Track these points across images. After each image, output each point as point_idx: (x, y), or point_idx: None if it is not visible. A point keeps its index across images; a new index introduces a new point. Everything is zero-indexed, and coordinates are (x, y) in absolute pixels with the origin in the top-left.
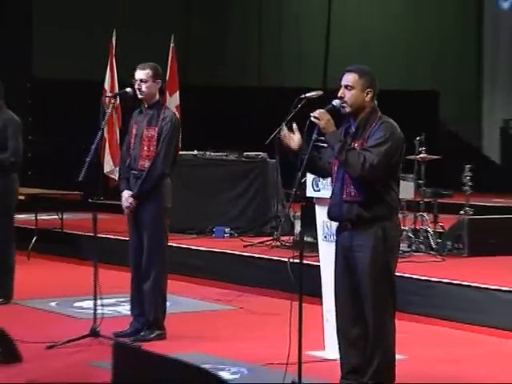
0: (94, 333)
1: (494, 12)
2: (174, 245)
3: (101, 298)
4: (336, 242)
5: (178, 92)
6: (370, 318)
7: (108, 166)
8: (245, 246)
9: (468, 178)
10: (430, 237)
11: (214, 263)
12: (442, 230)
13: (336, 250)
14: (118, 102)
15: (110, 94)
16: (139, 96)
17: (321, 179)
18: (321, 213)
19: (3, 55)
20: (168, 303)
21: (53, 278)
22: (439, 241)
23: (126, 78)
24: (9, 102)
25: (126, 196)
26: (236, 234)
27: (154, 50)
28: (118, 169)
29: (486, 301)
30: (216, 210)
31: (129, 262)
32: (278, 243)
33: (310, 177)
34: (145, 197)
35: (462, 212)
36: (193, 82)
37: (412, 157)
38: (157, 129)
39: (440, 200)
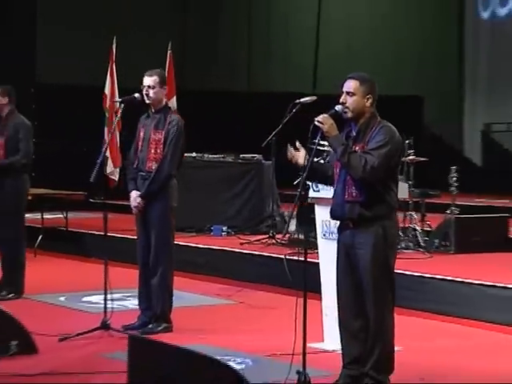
0: (105, 326)
1: (475, 18)
2: (175, 242)
3: (108, 293)
4: (338, 240)
5: (175, 97)
6: (370, 312)
7: (108, 167)
8: (242, 244)
9: (454, 179)
10: (418, 235)
11: (214, 260)
12: (429, 229)
13: (338, 247)
14: (118, 106)
15: (119, 100)
16: (147, 101)
17: None
18: (320, 212)
19: (8, 62)
20: None
21: (59, 274)
22: (427, 238)
23: (126, 83)
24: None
25: (134, 196)
26: (233, 233)
27: (152, 57)
28: (117, 170)
29: (475, 296)
30: (214, 209)
31: (132, 259)
32: (274, 241)
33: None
34: (152, 197)
35: (448, 211)
36: (189, 87)
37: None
38: (163, 132)
39: (427, 200)
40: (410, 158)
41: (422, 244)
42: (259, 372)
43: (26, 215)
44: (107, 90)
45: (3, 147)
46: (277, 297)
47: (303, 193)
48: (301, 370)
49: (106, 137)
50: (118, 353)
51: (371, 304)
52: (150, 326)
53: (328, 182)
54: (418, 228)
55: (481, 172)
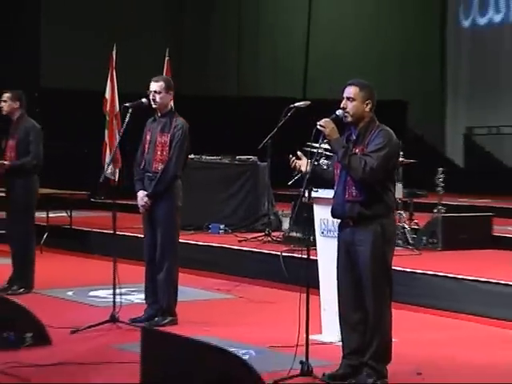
0: (113, 319)
1: (456, 27)
2: None
3: (117, 288)
4: (338, 237)
5: (172, 102)
6: (369, 305)
7: (108, 167)
8: (239, 241)
9: (441, 179)
10: (407, 233)
11: (213, 256)
12: (416, 227)
13: (338, 245)
14: (118, 109)
15: (128, 105)
16: (153, 106)
17: None
18: (319, 211)
19: (14, 68)
20: None
21: (65, 270)
22: (415, 236)
23: (125, 88)
24: None
25: (141, 196)
26: (230, 230)
27: (150, 63)
28: (117, 171)
29: (462, 290)
30: (211, 208)
31: (135, 256)
32: (270, 238)
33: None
34: (158, 196)
35: (435, 210)
36: (185, 91)
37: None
38: (169, 135)
39: (415, 200)
40: (400, 159)
41: (410, 241)
42: (262, 362)
43: None
44: (107, 95)
45: (14, 149)
46: (274, 291)
47: (306, 194)
48: (303, 360)
49: (107, 138)
50: (127, 344)
51: (370, 298)
52: (156, 319)
53: (329, 185)
54: (406, 226)
55: (463, 173)
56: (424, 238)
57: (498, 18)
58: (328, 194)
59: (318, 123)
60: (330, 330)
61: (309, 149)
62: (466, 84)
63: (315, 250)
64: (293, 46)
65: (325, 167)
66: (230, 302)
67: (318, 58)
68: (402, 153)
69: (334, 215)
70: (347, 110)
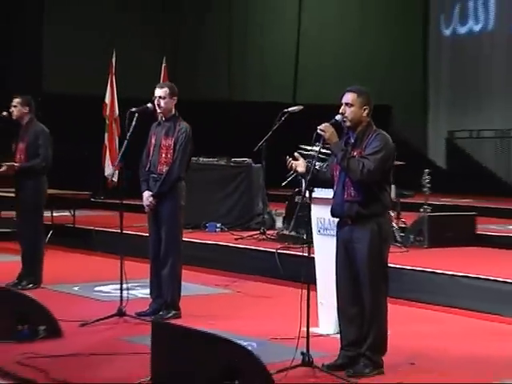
0: (121, 312)
1: (438, 35)
2: None
3: (123, 283)
4: (337, 236)
5: None
6: (367, 299)
7: (108, 169)
8: (236, 239)
9: (427, 180)
10: (395, 231)
11: (211, 254)
12: (404, 225)
13: (337, 242)
14: (117, 113)
15: (134, 109)
16: (158, 111)
17: None
18: (315, 210)
19: (18, 74)
20: None
21: (70, 267)
22: (402, 234)
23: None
24: None
25: (147, 196)
26: (226, 229)
27: (147, 70)
28: (117, 172)
29: (448, 285)
30: (208, 207)
31: (138, 253)
32: (264, 237)
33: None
34: (163, 196)
35: (421, 210)
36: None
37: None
38: (173, 139)
39: (402, 200)
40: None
41: (398, 239)
42: (264, 354)
43: None
44: (107, 100)
45: (24, 152)
46: (270, 287)
47: (306, 195)
48: (304, 351)
49: (107, 141)
50: (135, 337)
51: (367, 293)
52: (161, 312)
53: (328, 185)
54: (394, 225)
55: (445, 174)
56: (411, 236)
57: (477, 27)
58: (324, 194)
59: (319, 128)
60: (326, 323)
61: (301, 151)
62: (447, 90)
63: (309, 247)
64: (282, 51)
65: (318, 168)
66: (229, 297)
67: (306, 62)
68: None
69: (333, 214)
70: (346, 115)
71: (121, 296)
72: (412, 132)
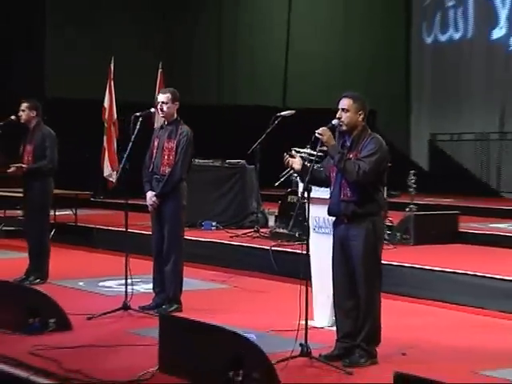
0: (126, 306)
1: (420, 43)
2: None
3: (124, 278)
4: (333, 233)
5: None
6: (362, 293)
7: (107, 170)
8: (231, 237)
9: (413, 181)
10: None
11: (208, 250)
12: (390, 224)
13: (334, 240)
14: (115, 117)
15: (138, 114)
16: (161, 115)
17: None
18: (312, 209)
19: (22, 80)
20: None
21: (73, 263)
22: (389, 232)
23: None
24: None
25: (150, 195)
26: (221, 227)
27: (144, 75)
28: (115, 173)
29: (434, 280)
30: (204, 207)
31: (140, 250)
32: (258, 234)
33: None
34: (165, 196)
35: (407, 209)
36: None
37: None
38: (175, 141)
39: (389, 199)
40: None
41: (386, 237)
42: (263, 345)
43: None
44: (106, 104)
45: (32, 154)
46: (264, 282)
47: (306, 195)
48: (303, 342)
49: (105, 143)
50: (141, 329)
51: (362, 287)
52: (164, 306)
53: (324, 184)
54: None
55: (428, 175)
56: (398, 233)
57: (457, 35)
58: (319, 194)
59: (317, 131)
60: (320, 317)
61: (293, 153)
62: (429, 95)
63: (307, 245)
64: (271, 53)
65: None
66: (226, 292)
67: (294, 66)
68: None
69: (330, 213)
70: (342, 119)
71: (125, 291)
72: (395, 135)
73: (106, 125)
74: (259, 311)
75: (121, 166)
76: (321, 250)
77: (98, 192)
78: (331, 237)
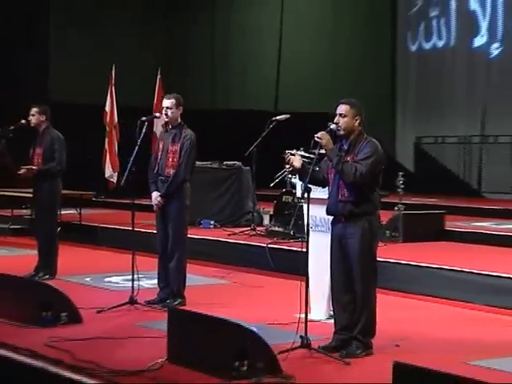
0: (132, 301)
1: (405, 50)
2: None
3: (128, 274)
4: (331, 232)
5: None
6: (358, 289)
7: (108, 171)
8: (229, 235)
9: (401, 182)
10: None
11: (207, 248)
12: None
13: (331, 239)
14: (116, 121)
15: (143, 119)
16: (165, 119)
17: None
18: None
19: (26, 85)
20: None
21: (79, 260)
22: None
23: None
24: None
25: (155, 196)
26: (219, 225)
27: (143, 81)
28: (116, 174)
29: (422, 275)
30: (202, 206)
31: (143, 248)
32: (255, 232)
33: (300, 182)
34: (170, 196)
35: (396, 208)
36: None
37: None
38: (179, 144)
39: None
40: None
41: None
42: (266, 337)
43: None
44: (107, 108)
45: (41, 156)
46: (262, 278)
47: (305, 194)
48: (303, 334)
49: (107, 146)
50: (148, 322)
51: (359, 283)
52: (168, 301)
53: (321, 184)
54: None
55: (413, 177)
56: (387, 232)
57: (440, 43)
58: (316, 194)
59: (316, 135)
60: (317, 310)
61: (293, 151)
62: (413, 100)
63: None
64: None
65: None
66: (227, 287)
67: (286, 69)
68: None
69: (328, 212)
70: (340, 124)
71: (132, 286)
72: (381, 137)
73: (107, 128)
74: (257, 305)
75: (127, 168)
76: (317, 247)
77: (99, 192)
78: (327, 235)
